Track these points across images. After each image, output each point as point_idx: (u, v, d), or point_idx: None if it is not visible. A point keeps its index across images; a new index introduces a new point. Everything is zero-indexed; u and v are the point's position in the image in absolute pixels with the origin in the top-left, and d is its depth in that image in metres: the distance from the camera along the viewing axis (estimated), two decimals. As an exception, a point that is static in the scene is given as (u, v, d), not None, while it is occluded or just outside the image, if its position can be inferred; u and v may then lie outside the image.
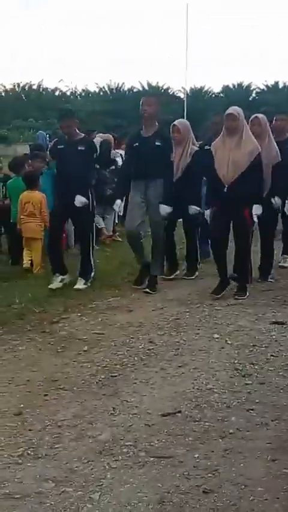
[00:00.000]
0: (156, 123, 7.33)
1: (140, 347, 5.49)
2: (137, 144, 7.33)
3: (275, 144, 7.50)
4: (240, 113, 6.97)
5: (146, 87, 56.09)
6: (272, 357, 5.27)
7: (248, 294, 7.04)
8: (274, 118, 7.99)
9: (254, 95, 54.72)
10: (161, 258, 7.58)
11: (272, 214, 7.50)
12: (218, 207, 7.03)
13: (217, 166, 6.92)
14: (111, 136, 12.09)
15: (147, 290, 7.19)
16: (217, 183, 6.92)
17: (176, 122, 7.90)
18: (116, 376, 4.85)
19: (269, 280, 7.71)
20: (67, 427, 3.98)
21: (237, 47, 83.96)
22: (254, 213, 6.88)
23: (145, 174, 7.19)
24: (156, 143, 7.17)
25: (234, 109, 7.02)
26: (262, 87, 54.65)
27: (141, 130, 7.37)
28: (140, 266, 7.57)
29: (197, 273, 8.00)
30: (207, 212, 7.29)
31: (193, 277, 7.92)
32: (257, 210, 6.90)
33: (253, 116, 7.54)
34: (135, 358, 5.22)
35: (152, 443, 3.76)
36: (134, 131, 7.68)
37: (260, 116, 7.61)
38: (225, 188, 6.84)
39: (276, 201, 7.48)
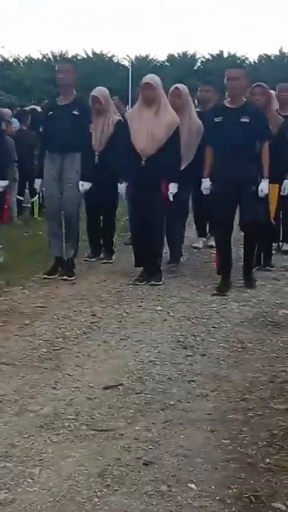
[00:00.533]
0: (74, 92, 6.82)
1: (83, 320, 5.49)
2: (51, 113, 6.81)
3: (197, 116, 7.17)
4: (158, 82, 6.58)
5: (91, 55, 55.36)
6: (213, 329, 5.34)
7: (163, 279, 6.65)
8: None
9: (198, 64, 54.60)
10: (76, 239, 6.91)
11: None
12: (132, 187, 6.66)
13: (134, 138, 6.49)
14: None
15: (65, 277, 6.68)
16: (133, 157, 6.48)
17: (95, 92, 7.44)
18: (58, 349, 4.84)
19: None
20: (8, 402, 3.97)
21: (182, 16, 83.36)
22: (170, 192, 6.54)
23: (61, 146, 6.60)
24: (73, 112, 6.62)
25: (151, 78, 6.64)
26: (207, 56, 54.56)
27: (57, 98, 6.90)
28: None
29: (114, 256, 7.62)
30: (122, 187, 6.97)
31: (111, 260, 7.52)
32: (173, 188, 6.56)
33: (173, 87, 7.13)
34: (78, 332, 5.22)
35: (93, 417, 3.78)
36: (51, 100, 7.16)
37: (181, 86, 7.20)
38: (143, 162, 6.47)
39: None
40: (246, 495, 3.00)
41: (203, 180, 6.50)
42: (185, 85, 7.36)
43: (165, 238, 6.87)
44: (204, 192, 6.54)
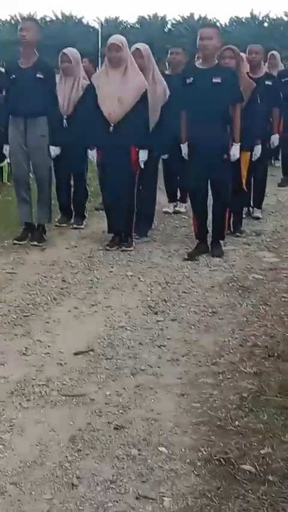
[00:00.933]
0: (36, 52, 6.55)
1: (53, 286, 5.46)
2: (14, 76, 6.51)
3: (162, 78, 6.99)
4: (124, 42, 6.34)
5: (60, 17, 54.46)
6: (183, 294, 5.35)
7: (133, 245, 6.56)
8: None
9: (169, 26, 54.05)
10: (48, 205, 6.77)
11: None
12: (101, 156, 6.52)
13: (102, 103, 6.33)
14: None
15: (35, 243, 6.55)
16: (101, 122, 6.33)
17: (66, 50, 7.13)
18: (28, 315, 4.83)
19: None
20: (-22, 369, 3.95)
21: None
22: (140, 159, 6.42)
23: (25, 111, 6.37)
24: (38, 75, 6.37)
25: (116, 38, 6.44)
26: (178, 18, 54.05)
27: (19, 60, 6.61)
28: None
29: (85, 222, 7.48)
30: (92, 152, 6.71)
31: (82, 226, 7.37)
32: (143, 155, 6.42)
33: (133, 47, 6.79)
34: (48, 298, 5.19)
35: (64, 382, 3.79)
36: (12, 62, 6.86)
37: (142, 46, 6.84)
38: (111, 127, 6.34)
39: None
40: (216, 457, 3.04)
41: (181, 145, 6.43)
42: (149, 46, 7.15)
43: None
44: (185, 157, 6.46)
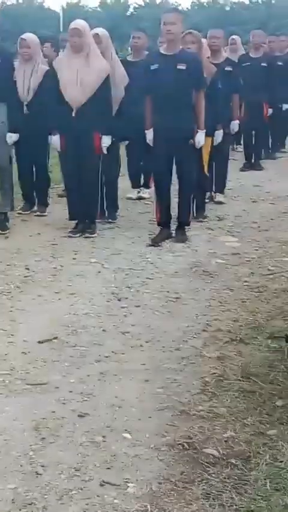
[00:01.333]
0: None
1: (17, 274, 5.44)
2: None
3: (120, 63, 6.98)
4: (86, 27, 6.36)
5: (20, 0, 53.73)
6: (147, 280, 5.37)
7: (97, 231, 6.58)
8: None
9: (131, 10, 53.70)
10: (10, 193, 6.81)
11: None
12: (63, 141, 6.47)
13: (64, 88, 6.30)
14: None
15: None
16: (64, 108, 6.31)
17: (24, 35, 7.11)
18: (-9, 304, 4.80)
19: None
20: None
21: None
22: (103, 145, 6.44)
23: None
24: None
25: (78, 23, 6.39)
26: (140, 2, 53.71)
27: None
28: None
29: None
30: (55, 138, 6.60)
31: (45, 213, 7.34)
32: (106, 140, 6.44)
33: (92, 32, 6.61)
34: (12, 286, 5.17)
35: (28, 371, 3.78)
36: None
37: (100, 31, 6.79)
38: (73, 112, 6.30)
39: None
40: (180, 442, 3.07)
41: (146, 131, 6.43)
42: (111, 31, 7.11)
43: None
44: (150, 144, 6.45)
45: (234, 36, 11.30)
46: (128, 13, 52.33)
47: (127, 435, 3.15)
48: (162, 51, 6.33)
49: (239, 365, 3.81)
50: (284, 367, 3.72)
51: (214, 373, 3.72)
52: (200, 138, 6.33)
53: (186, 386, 3.60)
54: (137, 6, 53.26)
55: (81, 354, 4.03)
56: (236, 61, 9.03)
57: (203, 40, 7.06)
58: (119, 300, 4.93)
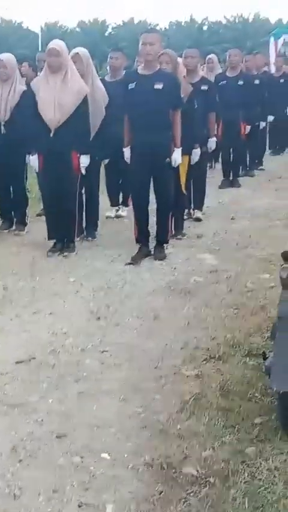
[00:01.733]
0: None
1: (-6, 294, 5.41)
2: None
3: (101, 83, 7.05)
4: (64, 47, 6.38)
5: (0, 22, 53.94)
6: (126, 298, 5.36)
7: (76, 250, 6.59)
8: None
9: (110, 30, 54.12)
10: None
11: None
12: (41, 161, 6.47)
13: (42, 108, 6.30)
14: None
15: None
16: (42, 128, 6.30)
17: (1, 56, 7.10)
18: None
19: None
20: None
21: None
22: (82, 165, 6.46)
23: None
24: None
25: (56, 43, 6.41)
26: (119, 22, 54.17)
27: None
28: None
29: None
30: (33, 158, 6.59)
31: (24, 232, 7.34)
32: (84, 160, 6.47)
33: (72, 52, 6.76)
34: (-11, 306, 5.15)
35: (5, 392, 3.76)
36: None
37: (81, 51, 6.82)
38: (51, 132, 6.30)
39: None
40: (158, 462, 3.06)
41: (124, 149, 6.47)
42: (90, 50, 7.16)
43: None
44: (128, 161, 6.49)
45: (211, 56, 11.44)
46: (106, 33, 52.73)
47: (105, 455, 3.14)
48: (139, 71, 6.38)
49: (218, 383, 3.82)
50: (262, 384, 3.72)
51: (192, 392, 3.72)
52: (177, 156, 6.38)
53: (164, 405, 3.60)
54: (115, 25, 53.71)
55: (60, 374, 4.01)
56: (213, 80, 9.13)
57: (179, 59, 7.12)
58: (98, 318, 4.92)
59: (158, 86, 6.15)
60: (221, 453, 3.12)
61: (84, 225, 7.17)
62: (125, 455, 3.14)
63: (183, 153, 6.66)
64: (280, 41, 17.99)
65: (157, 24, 50.32)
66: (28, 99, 6.61)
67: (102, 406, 3.62)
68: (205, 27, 51.33)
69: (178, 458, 3.08)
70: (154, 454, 3.12)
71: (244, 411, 3.48)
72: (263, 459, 3.06)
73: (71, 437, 3.29)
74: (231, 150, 10.31)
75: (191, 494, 2.84)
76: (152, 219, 6.60)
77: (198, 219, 8.02)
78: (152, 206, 6.58)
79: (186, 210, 7.80)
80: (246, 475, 2.95)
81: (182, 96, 6.55)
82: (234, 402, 3.58)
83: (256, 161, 11.87)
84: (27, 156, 6.80)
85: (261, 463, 3.03)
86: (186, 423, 3.39)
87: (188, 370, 4.02)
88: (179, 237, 7.15)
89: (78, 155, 6.44)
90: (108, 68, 8.40)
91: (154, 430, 3.35)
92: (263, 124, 11.69)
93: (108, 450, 3.18)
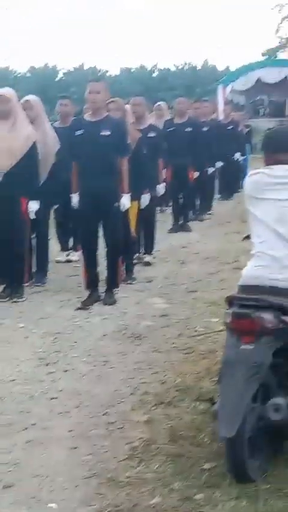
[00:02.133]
0: None
1: None
2: None
3: (52, 129, 7.23)
4: (13, 94, 6.55)
5: None
6: (75, 344, 5.34)
7: (25, 297, 6.55)
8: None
9: (60, 75, 54.60)
10: None
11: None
12: None
13: None
14: None
15: None
16: None
17: None
18: None
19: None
20: None
21: (43, 28, 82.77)
22: (30, 210, 6.53)
23: None
24: None
25: (5, 90, 6.59)
26: (69, 67, 54.73)
27: None
28: None
29: None
30: None
31: None
32: (33, 206, 6.53)
33: (23, 100, 6.97)
34: None
35: None
36: None
37: (32, 98, 7.10)
38: (0, 178, 6.34)
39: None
40: (107, 511, 3.02)
41: (71, 195, 6.53)
42: (40, 96, 7.29)
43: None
44: (75, 207, 6.54)
45: (160, 103, 11.70)
46: (57, 78, 53.17)
47: (53, 505, 3.09)
48: (87, 118, 6.48)
49: (167, 428, 3.80)
50: (211, 429, 3.72)
51: (142, 438, 3.70)
52: (125, 201, 6.45)
53: (113, 452, 3.57)
54: (65, 71, 54.24)
55: (7, 422, 3.95)
56: (161, 127, 9.30)
57: (127, 106, 7.25)
58: (47, 364, 4.88)
59: (105, 132, 6.24)
60: (170, 500, 3.10)
61: (34, 269, 7.15)
62: (73, 505, 3.09)
63: (133, 199, 6.74)
64: (228, 89, 18.40)
65: (107, 71, 50.96)
66: None
67: (50, 455, 3.57)
68: (155, 74, 52.26)
69: (127, 507, 3.05)
70: (103, 503, 3.09)
71: (193, 457, 3.47)
72: (212, 505, 3.05)
73: (18, 488, 3.24)
74: (180, 195, 10.47)
75: None
76: (103, 264, 6.62)
77: (148, 263, 8.07)
78: (103, 251, 6.61)
79: (136, 254, 7.85)
80: (195, 522, 2.93)
81: (129, 142, 6.65)
82: (183, 448, 3.57)
83: (205, 206, 12.05)
84: None
85: (209, 510, 3.01)
86: (135, 470, 3.36)
87: (137, 416, 4.00)
88: (129, 281, 7.17)
89: (27, 201, 6.47)
90: (58, 114, 8.50)
91: (103, 478, 3.31)
92: (211, 170, 11.91)
93: (55, 500, 3.14)
